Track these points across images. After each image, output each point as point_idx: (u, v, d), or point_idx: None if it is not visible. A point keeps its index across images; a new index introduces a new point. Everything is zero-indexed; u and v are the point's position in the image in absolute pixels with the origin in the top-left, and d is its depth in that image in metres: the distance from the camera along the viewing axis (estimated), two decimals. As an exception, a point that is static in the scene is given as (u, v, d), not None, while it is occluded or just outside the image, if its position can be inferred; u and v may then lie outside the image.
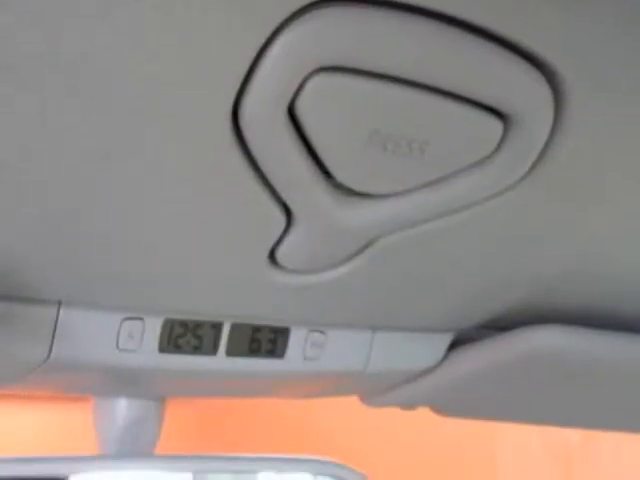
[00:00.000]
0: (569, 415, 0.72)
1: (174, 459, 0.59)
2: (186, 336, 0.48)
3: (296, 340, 0.52)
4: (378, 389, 0.63)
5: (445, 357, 0.60)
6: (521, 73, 0.35)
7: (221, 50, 0.31)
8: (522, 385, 0.64)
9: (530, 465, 1.43)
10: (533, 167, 0.40)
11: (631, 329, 0.60)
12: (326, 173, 0.38)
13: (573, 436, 1.43)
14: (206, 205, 0.39)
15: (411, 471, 1.30)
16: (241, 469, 0.61)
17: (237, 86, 0.32)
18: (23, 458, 0.54)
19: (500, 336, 0.59)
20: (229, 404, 1.20)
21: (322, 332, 0.53)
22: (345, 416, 1.21)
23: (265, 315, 0.50)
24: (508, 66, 0.34)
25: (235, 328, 0.50)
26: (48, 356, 0.44)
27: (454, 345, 0.60)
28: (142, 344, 0.47)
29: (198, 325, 0.48)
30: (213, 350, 0.49)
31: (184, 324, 0.48)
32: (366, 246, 0.44)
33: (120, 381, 0.52)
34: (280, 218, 0.40)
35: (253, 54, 0.31)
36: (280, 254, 0.43)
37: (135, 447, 0.59)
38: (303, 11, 0.31)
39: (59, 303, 0.43)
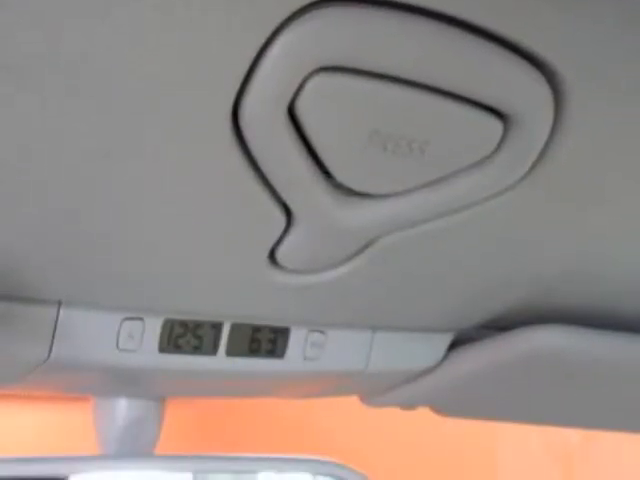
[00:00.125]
0: (569, 415, 0.71)
1: (174, 459, 0.59)
2: (186, 336, 0.48)
3: (296, 340, 0.52)
4: (378, 389, 0.63)
5: (445, 357, 0.60)
6: (521, 73, 0.35)
7: (221, 50, 0.31)
8: (522, 385, 0.64)
9: (530, 465, 1.43)
10: (533, 167, 0.40)
11: (631, 329, 0.60)
12: (326, 173, 0.38)
13: (573, 436, 1.42)
14: (206, 205, 0.39)
15: (411, 471, 1.30)
16: (241, 469, 0.61)
17: (237, 86, 0.32)
18: (23, 458, 0.54)
19: (500, 336, 0.59)
20: (229, 404, 1.20)
21: (322, 332, 0.53)
22: (345, 416, 1.21)
23: (265, 315, 0.50)
24: (508, 66, 0.34)
25: (235, 328, 0.50)
26: (48, 356, 0.44)
27: (454, 345, 0.60)
28: (142, 344, 0.47)
29: (198, 325, 0.48)
30: (213, 350, 0.49)
31: (184, 324, 0.48)
32: (366, 246, 0.44)
33: (120, 381, 0.52)
34: (280, 218, 0.40)
35: (253, 54, 0.31)
36: (280, 254, 0.43)
37: (135, 447, 0.59)
38: (303, 11, 0.31)
39: (59, 303, 0.43)
